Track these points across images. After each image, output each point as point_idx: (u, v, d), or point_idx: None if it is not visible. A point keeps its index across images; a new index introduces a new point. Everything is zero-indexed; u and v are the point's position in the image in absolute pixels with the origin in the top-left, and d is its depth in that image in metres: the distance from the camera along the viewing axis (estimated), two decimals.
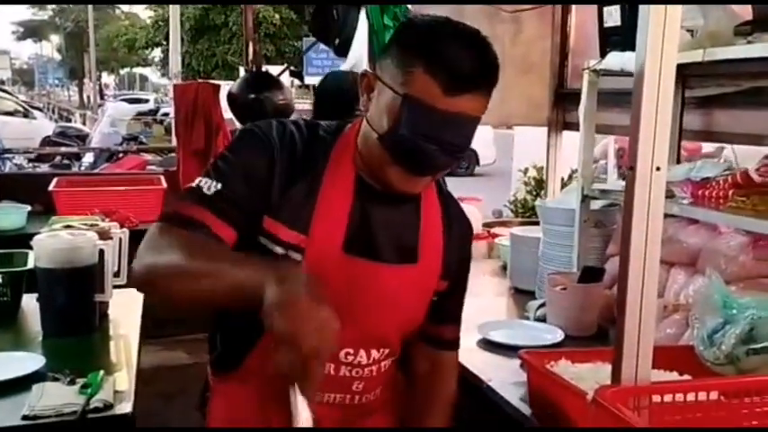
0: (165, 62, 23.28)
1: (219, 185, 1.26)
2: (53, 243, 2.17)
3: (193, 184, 1.28)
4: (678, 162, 2.30)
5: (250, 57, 5.03)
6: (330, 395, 1.38)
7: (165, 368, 3.35)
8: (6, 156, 8.89)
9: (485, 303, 2.65)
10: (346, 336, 1.27)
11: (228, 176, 1.27)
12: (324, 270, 1.26)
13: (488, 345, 2.11)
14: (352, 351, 1.35)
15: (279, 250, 1.29)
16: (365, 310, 1.33)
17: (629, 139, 1.27)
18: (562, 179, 3.43)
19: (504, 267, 2.93)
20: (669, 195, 1.84)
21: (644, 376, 1.29)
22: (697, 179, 1.90)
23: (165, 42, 21.09)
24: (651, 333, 1.30)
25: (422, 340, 1.50)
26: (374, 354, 1.38)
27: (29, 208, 4.13)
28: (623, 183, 2.41)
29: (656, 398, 1.28)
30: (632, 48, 1.27)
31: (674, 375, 1.58)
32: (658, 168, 1.24)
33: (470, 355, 2.03)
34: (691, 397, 1.30)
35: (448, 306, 1.50)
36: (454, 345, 1.57)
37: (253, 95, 3.80)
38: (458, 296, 1.53)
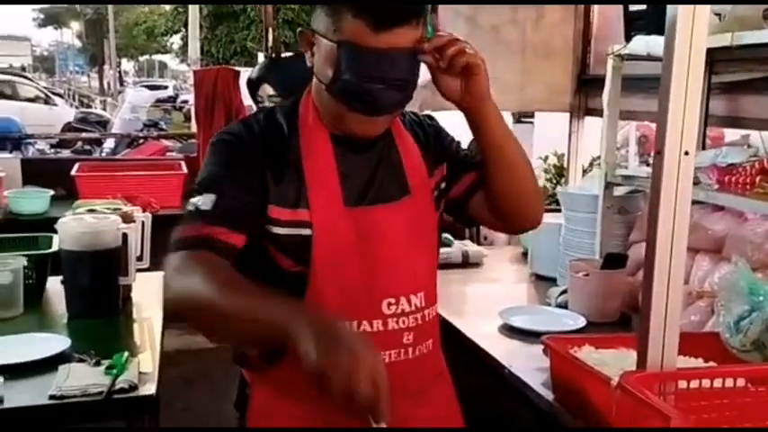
0: (184, 49, 23.33)
1: (214, 196, 1.30)
2: (77, 226, 2.19)
3: (190, 207, 1.31)
4: (703, 149, 2.28)
5: (269, 43, 5.03)
6: (384, 353, 1.35)
7: (186, 352, 3.38)
8: (29, 141, 8.96)
9: (505, 289, 2.66)
10: (382, 286, 1.34)
11: (218, 185, 1.32)
12: (334, 231, 1.32)
13: (510, 330, 2.10)
14: (393, 300, 1.37)
15: (291, 231, 1.33)
16: (387, 254, 1.37)
17: (656, 122, 1.26)
18: (582, 166, 3.39)
19: (525, 254, 2.92)
20: (695, 182, 1.82)
21: (670, 362, 1.29)
22: (723, 165, 1.88)
23: (184, 29, 21.12)
24: (677, 319, 1.29)
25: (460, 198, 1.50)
26: (414, 300, 1.39)
27: (52, 192, 4.18)
28: (647, 169, 2.41)
29: (683, 384, 1.28)
30: (657, 31, 1.26)
31: (699, 362, 1.57)
32: (687, 153, 1.23)
33: (491, 340, 2.04)
34: (717, 383, 1.30)
35: (460, 160, 1.50)
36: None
37: None
38: (455, 147, 1.53)
